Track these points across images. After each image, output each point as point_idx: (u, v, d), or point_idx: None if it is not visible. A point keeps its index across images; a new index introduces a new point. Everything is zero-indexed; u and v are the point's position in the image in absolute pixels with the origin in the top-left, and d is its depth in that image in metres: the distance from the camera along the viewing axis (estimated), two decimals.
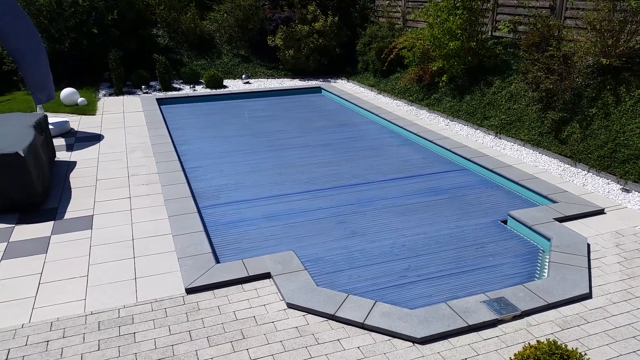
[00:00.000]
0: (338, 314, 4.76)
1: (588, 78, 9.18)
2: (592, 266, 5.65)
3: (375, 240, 6.50)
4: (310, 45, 16.02)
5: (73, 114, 12.22)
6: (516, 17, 11.50)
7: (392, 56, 13.83)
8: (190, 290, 5.20)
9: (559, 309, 4.93)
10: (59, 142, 10.11)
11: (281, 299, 5.10)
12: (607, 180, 7.93)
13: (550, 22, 10.19)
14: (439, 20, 11.48)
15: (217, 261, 5.89)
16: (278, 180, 8.51)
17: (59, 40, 14.35)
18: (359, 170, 8.91)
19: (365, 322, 4.65)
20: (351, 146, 10.24)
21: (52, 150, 8.79)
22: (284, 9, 16.47)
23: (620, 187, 7.68)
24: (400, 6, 15.70)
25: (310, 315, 4.83)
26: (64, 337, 4.50)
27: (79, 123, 11.51)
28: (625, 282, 5.36)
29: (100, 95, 14.30)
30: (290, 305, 4.96)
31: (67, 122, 10.81)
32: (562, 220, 6.69)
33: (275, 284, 5.30)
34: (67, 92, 12.72)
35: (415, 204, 7.52)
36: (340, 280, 5.65)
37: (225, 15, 17.69)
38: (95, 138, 10.40)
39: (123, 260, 5.78)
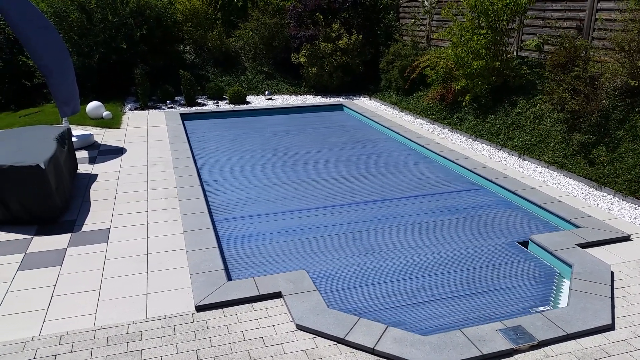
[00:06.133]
0: (348, 338, 4.65)
1: (615, 100, 8.94)
2: (615, 296, 5.42)
3: (389, 259, 6.38)
4: (334, 63, 16.07)
5: (98, 127, 12.46)
6: (542, 36, 11.33)
7: (415, 75, 13.76)
8: (200, 308, 5.16)
9: (578, 340, 4.72)
10: (82, 154, 10.29)
11: (291, 319, 5.01)
12: (634, 206, 7.65)
13: (577, 42, 10.00)
14: (463, 39, 11.38)
15: (229, 278, 5.85)
16: (295, 195, 8.47)
17: (89, 54, 14.72)
18: (375, 187, 8.81)
19: (375, 348, 4.52)
20: (370, 163, 10.16)
21: (74, 163, 8.95)
22: (309, 27, 16.60)
23: None
24: (424, 25, 15.67)
25: (319, 338, 4.73)
26: (72, 352, 4.49)
27: (103, 136, 11.71)
28: None
29: (125, 109, 14.56)
30: (300, 327, 4.87)
31: (91, 135, 11.01)
32: (585, 246, 6.46)
33: (286, 304, 5.22)
34: (93, 106, 12.99)
35: (434, 222, 7.38)
36: (352, 297, 5.56)
37: (251, 33, 17.92)
38: (118, 151, 10.55)
39: (136, 274, 5.78)
